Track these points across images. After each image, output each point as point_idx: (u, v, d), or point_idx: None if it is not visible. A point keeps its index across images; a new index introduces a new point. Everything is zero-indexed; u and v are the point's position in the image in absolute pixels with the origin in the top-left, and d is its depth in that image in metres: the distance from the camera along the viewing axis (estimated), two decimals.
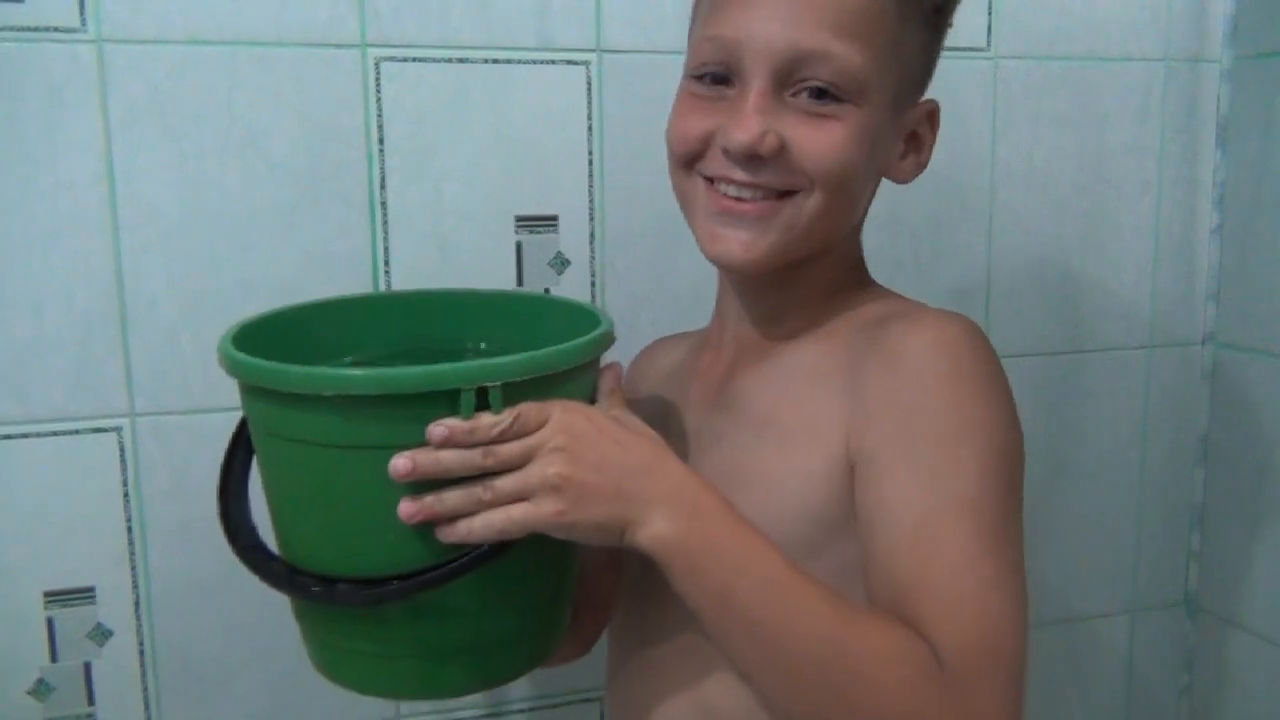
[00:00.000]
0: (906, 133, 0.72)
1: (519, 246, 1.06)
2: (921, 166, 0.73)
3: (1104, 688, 1.33)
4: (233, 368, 0.62)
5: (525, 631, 0.68)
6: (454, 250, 1.04)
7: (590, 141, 1.06)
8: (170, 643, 1.02)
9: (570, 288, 1.08)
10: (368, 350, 0.81)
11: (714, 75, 0.69)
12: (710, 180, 0.70)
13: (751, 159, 0.67)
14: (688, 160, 0.71)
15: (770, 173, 0.68)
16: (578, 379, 0.64)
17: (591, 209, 1.07)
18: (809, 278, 0.74)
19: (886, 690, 0.57)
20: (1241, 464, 1.25)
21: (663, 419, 0.78)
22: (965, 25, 1.11)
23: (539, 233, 1.06)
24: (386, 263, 1.02)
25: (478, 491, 0.58)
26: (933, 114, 0.73)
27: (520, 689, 1.13)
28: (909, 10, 0.68)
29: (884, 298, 0.76)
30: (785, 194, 0.68)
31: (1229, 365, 1.26)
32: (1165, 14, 1.21)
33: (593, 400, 0.67)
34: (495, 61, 1.02)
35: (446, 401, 0.57)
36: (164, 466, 0.99)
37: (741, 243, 0.69)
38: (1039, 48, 1.18)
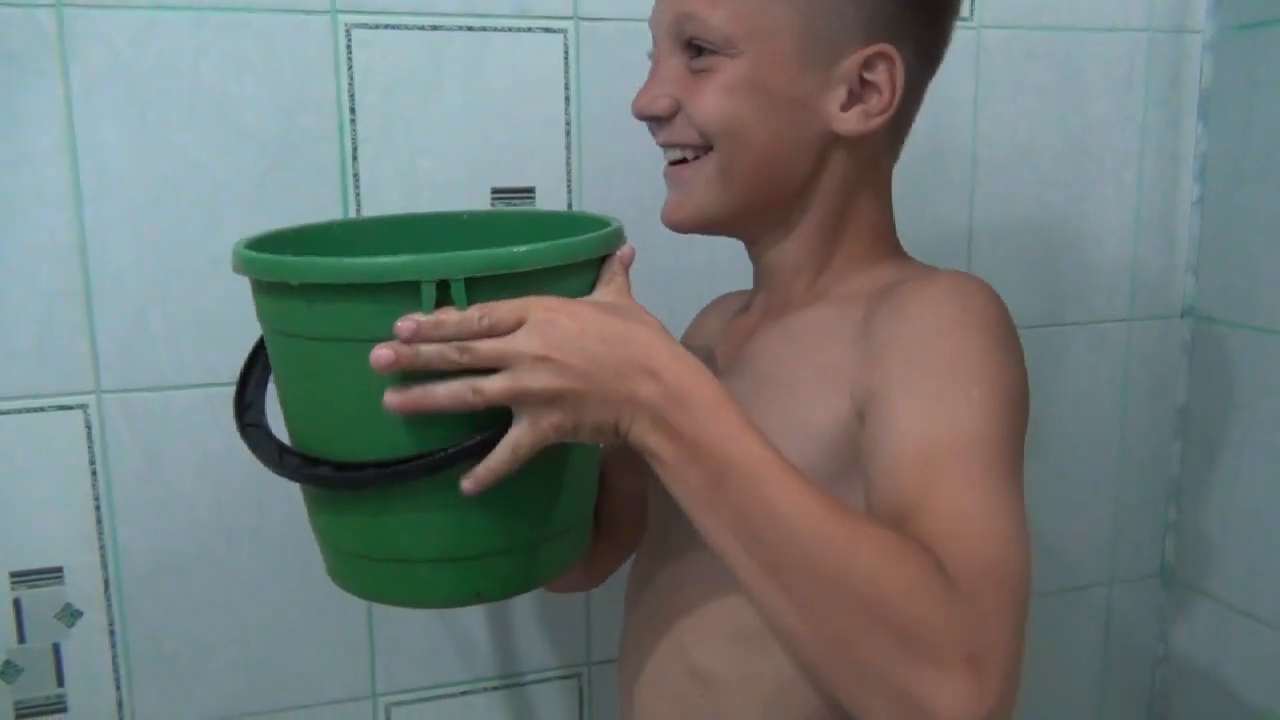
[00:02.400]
0: (848, 82, 0.71)
1: None
2: (873, 116, 0.71)
3: (1082, 657, 1.36)
4: (233, 259, 0.64)
5: (514, 545, 0.67)
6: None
7: (568, 111, 1.06)
8: (141, 623, 1.02)
9: None
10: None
11: (650, 53, 0.75)
12: None
13: (657, 121, 0.72)
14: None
15: (673, 132, 0.73)
16: (565, 281, 0.63)
17: (569, 180, 1.08)
18: (803, 241, 0.75)
19: (893, 589, 0.54)
20: (1219, 437, 1.27)
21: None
22: None
23: (516, 204, 1.06)
24: None
25: (464, 393, 0.58)
26: (876, 59, 0.70)
27: (501, 664, 1.14)
28: None
29: (907, 266, 0.76)
30: (702, 153, 0.72)
31: (1208, 338, 1.28)
32: None
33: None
34: (470, 29, 1.02)
35: (411, 294, 0.57)
36: (132, 444, 0.99)
37: (671, 204, 0.74)
38: (1022, 17, 1.18)
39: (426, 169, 1.03)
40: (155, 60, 0.95)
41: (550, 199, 1.07)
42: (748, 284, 0.85)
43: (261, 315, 0.67)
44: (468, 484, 0.60)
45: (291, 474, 0.65)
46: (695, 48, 0.70)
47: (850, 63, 0.70)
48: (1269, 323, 1.18)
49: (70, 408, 0.97)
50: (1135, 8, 1.21)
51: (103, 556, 1.00)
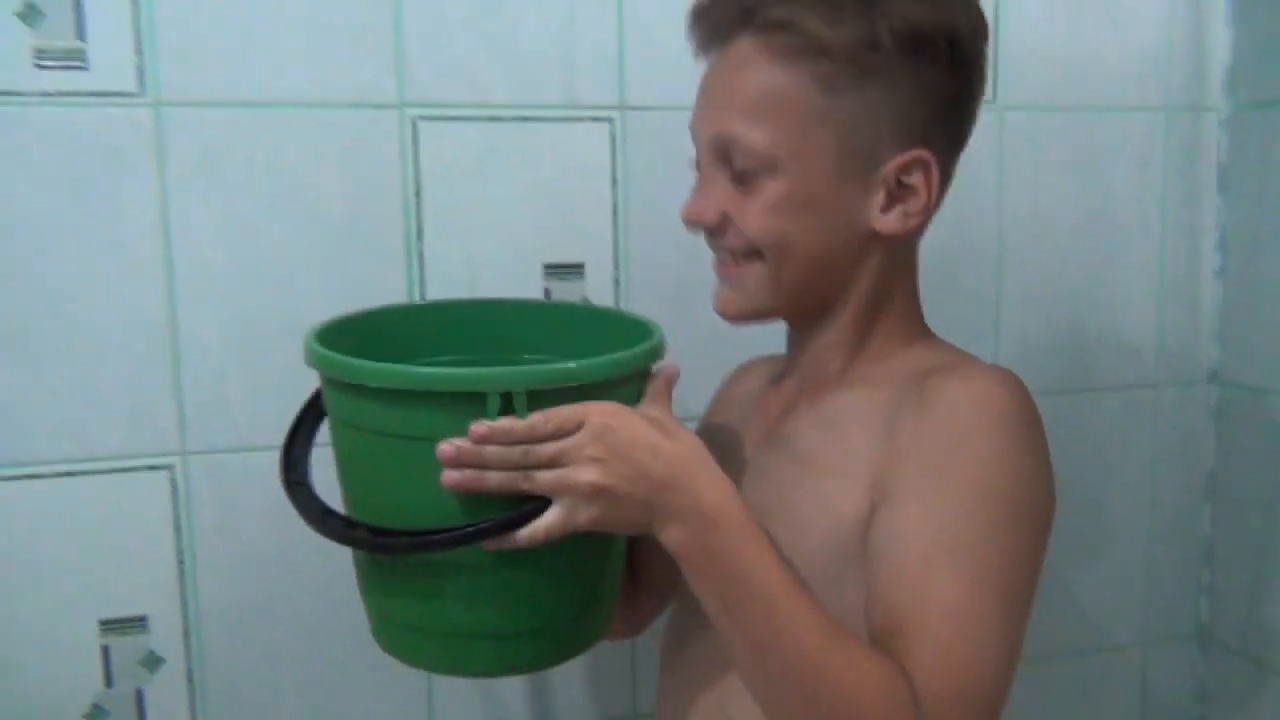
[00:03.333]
0: (886, 186, 0.72)
1: (547, 292, 1.11)
2: (913, 216, 0.72)
3: (1117, 719, 1.36)
4: (306, 355, 0.69)
5: (550, 624, 0.71)
6: (486, 295, 1.07)
7: (614, 193, 1.11)
8: (218, 670, 1.06)
9: None
10: (446, 354, 0.85)
11: (694, 162, 0.77)
12: None
13: (710, 230, 0.74)
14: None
15: (724, 239, 0.74)
16: (614, 391, 0.67)
17: (616, 257, 1.12)
18: (842, 328, 0.77)
19: (860, 715, 0.59)
20: (1249, 499, 1.28)
21: (726, 446, 0.82)
22: None
23: (566, 279, 1.11)
24: None
25: (517, 480, 0.62)
26: (921, 164, 0.72)
27: (553, 712, 1.16)
28: (837, 78, 0.69)
29: (936, 350, 0.77)
30: (752, 256, 0.73)
31: (1234, 403, 1.29)
32: (1165, 65, 1.25)
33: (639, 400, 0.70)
34: (525, 119, 1.07)
35: (477, 402, 0.62)
36: (213, 502, 1.04)
37: (723, 298, 0.76)
38: (1042, 98, 1.22)
39: (484, 247, 1.08)
40: (241, 151, 1.01)
41: (598, 273, 1.11)
42: (783, 345, 0.87)
43: (331, 406, 0.70)
44: (490, 544, 0.64)
45: (332, 534, 0.68)
46: (738, 168, 0.72)
47: (888, 169, 0.71)
48: None
49: (157, 468, 1.03)
50: (1153, 87, 1.25)
51: (184, 607, 1.05)
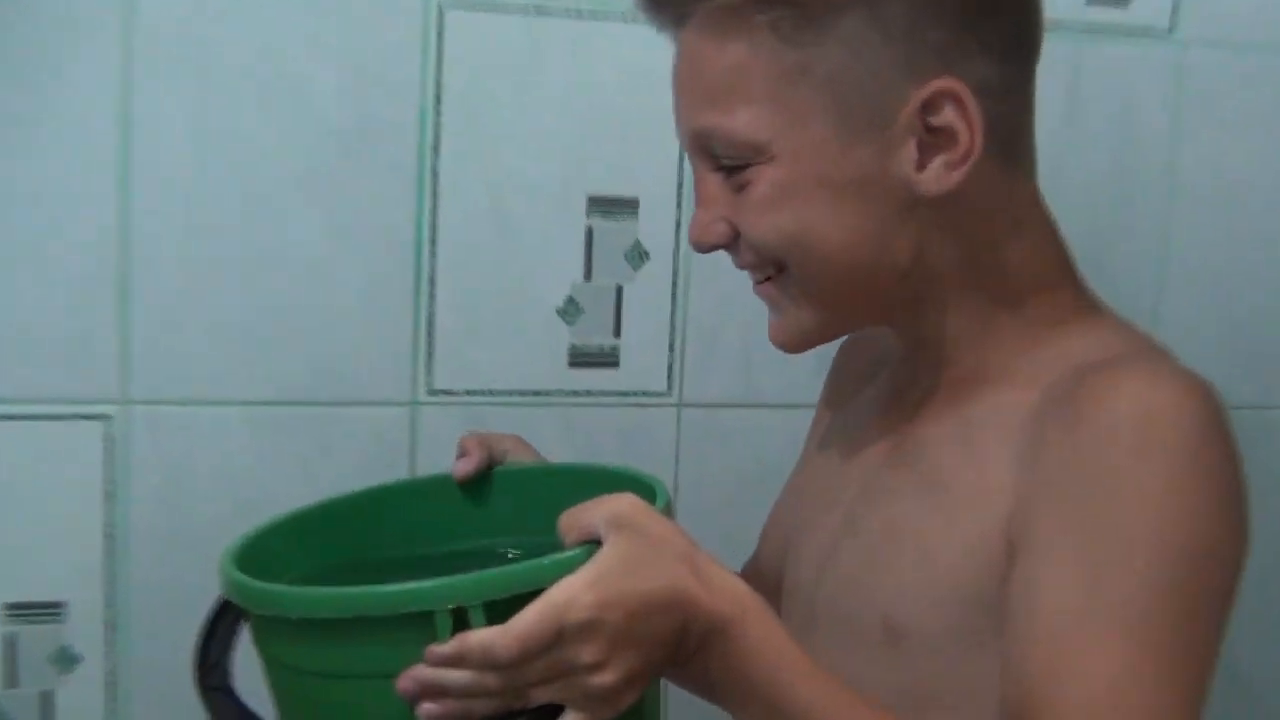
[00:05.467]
0: (912, 135, 0.64)
1: (589, 232, 1.02)
2: (957, 165, 0.64)
3: None
4: (220, 575, 0.64)
5: None
6: (513, 232, 0.99)
7: None
8: (144, 673, 0.95)
9: (647, 285, 1.04)
10: (390, 550, 0.79)
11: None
12: None
13: (717, 250, 0.69)
14: None
15: (739, 257, 0.69)
16: None
17: (680, 193, 1.03)
18: (947, 319, 0.70)
19: None
20: None
21: (850, 443, 0.79)
22: (1143, 3, 1.04)
23: (615, 217, 1.02)
24: (433, 242, 0.98)
25: (512, 703, 0.57)
26: (938, 101, 0.63)
27: None
28: (800, 23, 0.63)
29: (1099, 330, 0.69)
30: (777, 269, 0.68)
31: None
32: None
33: None
34: (579, 15, 0.98)
35: (425, 624, 0.56)
36: (156, 464, 0.94)
37: (776, 329, 0.71)
38: (1235, 32, 1.10)
39: (516, 170, 0.99)
40: (224, 32, 0.91)
41: (656, 212, 1.02)
42: None
43: (255, 638, 0.64)
44: None
45: None
46: (724, 168, 0.67)
47: (906, 115, 0.63)
48: None
49: (91, 418, 0.92)
50: None
51: (109, 593, 0.94)
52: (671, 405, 1.07)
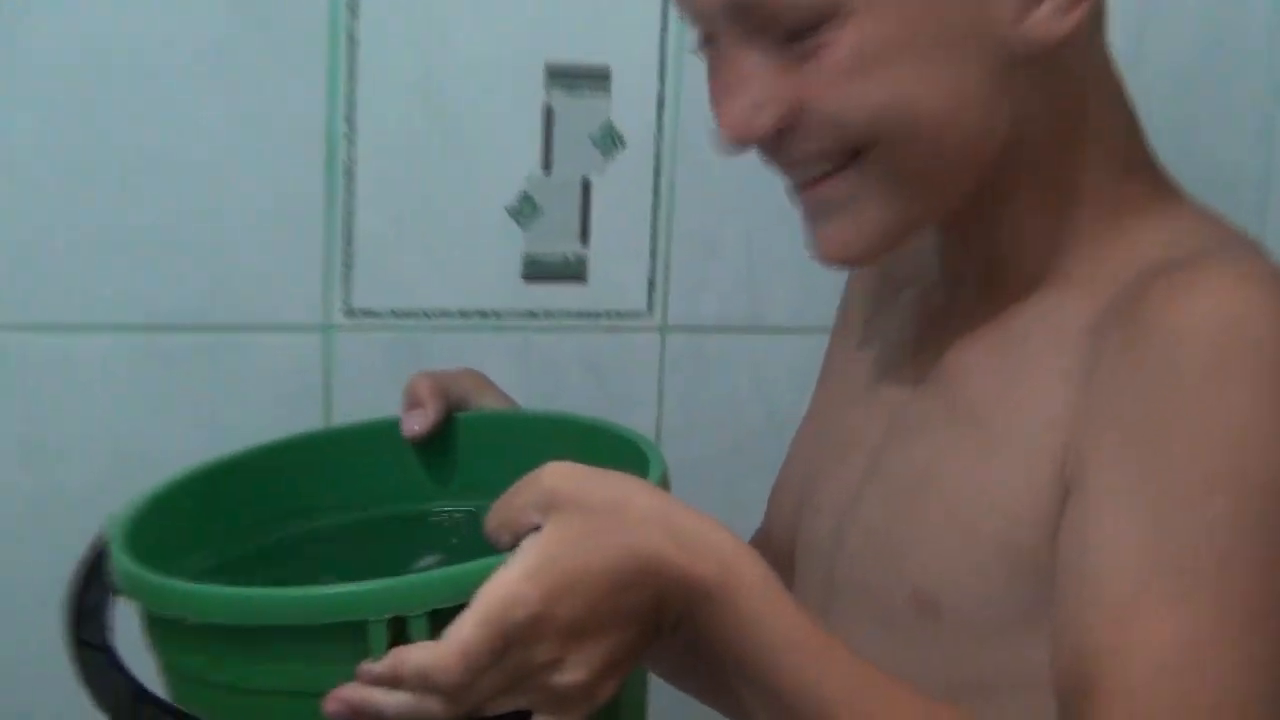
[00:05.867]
0: None
1: (548, 112, 0.94)
2: (1073, 6, 0.61)
3: None
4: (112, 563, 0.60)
5: None
6: (451, 114, 0.91)
7: None
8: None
9: (622, 178, 0.96)
10: (321, 516, 0.74)
11: (696, 47, 0.66)
12: None
13: (759, 146, 0.63)
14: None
15: (801, 145, 0.62)
16: None
17: (663, 61, 0.95)
18: (1022, 213, 0.66)
19: None
20: None
21: (875, 369, 0.75)
22: None
23: (580, 94, 0.94)
24: (350, 127, 0.89)
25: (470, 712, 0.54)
26: None
27: None
28: None
29: (1177, 223, 0.65)
30: (850, 156, 0.62)
31: None
32: None
33: None
34: None
35: (355, 634, 0.53)
36: (10, 408, 0.85)
37: (830, 239, 0.64)
38: None
39: (454, 35, 0.90)
40: None
41: (632, 87, 0.94)
42: None
43: (149, 642, 0.59)
44: None
45: None
46: (787, 33, 0.61)
47: None
48: None
49: None
50: None
51: None
52: (653, 329, 1.00)
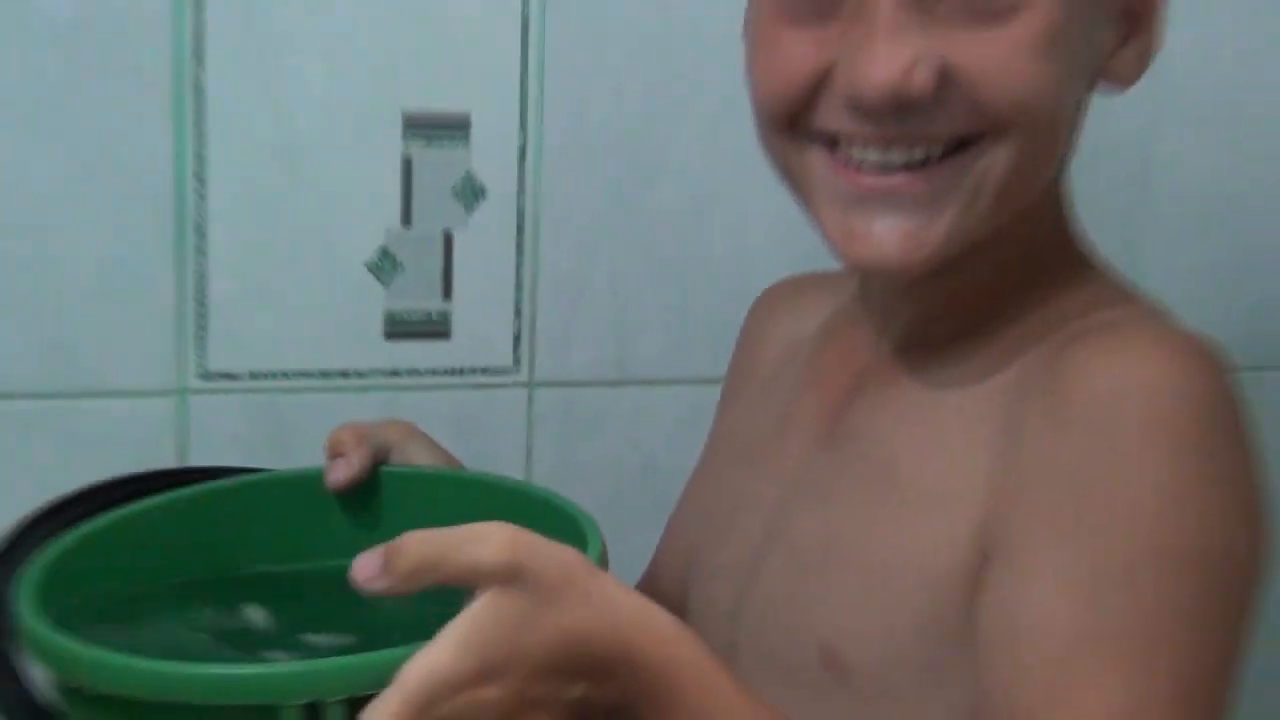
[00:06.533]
0: (1120, 7, 0.63)
1: (407, 164, 0.92)
2: (1147, 56, 0.64)
3: None
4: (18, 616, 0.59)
5: None
6: (306, 167, 0.89)
7: (526, 7, 0.93)
8: None
9: (485, 230, 0.95)
10: (241, 565, 0.73)
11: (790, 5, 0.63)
12: (834, 143, 0.62)
13: (897, 106, 0.59)
14: (790, 118, 0.63)
15: (929, 119, 0.59)
16: None
17: (523, 108, 0.94)
18: (993, 261, 0.66)
19: None
20: None
21: (765, 433, 0.75)
22: None
23: (440, 144, 0.93)
24: (200, 179, 0.87)
25: None
26: None
27: None
28: None
29: (1098, 289, 0.66)
30: (959, 148, 0.61)
31: None
32: None
33: None
34: None
35: (265, 717, 0.52)
36: None
37: (896, 236, 0.61)
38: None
39: (308, 82, 0.88)
40: None
41: (493, 138, 0.93)
42: (791, 266, 0.80)
43: (59, 696, 0.59)
44: None
45: None
46: None
47: None
48: None
49: None
50: None
51: None
52: (520, 385, 0.98)
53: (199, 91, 0.85)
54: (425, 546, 0.49)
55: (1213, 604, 0.55)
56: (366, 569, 0.50)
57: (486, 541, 0.50)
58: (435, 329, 0.95)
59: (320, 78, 0.89)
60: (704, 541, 0.74)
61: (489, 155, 0.93)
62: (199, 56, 0.85)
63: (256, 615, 0.69)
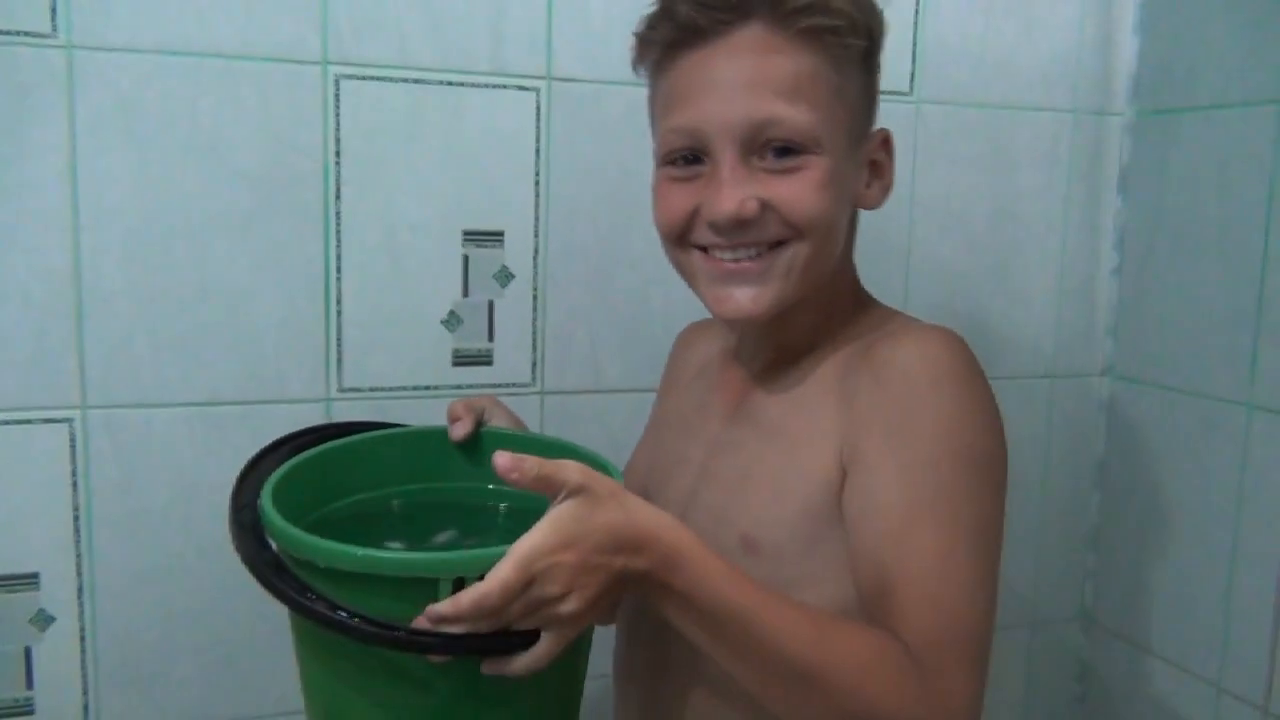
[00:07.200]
0: (867, 162, 0.76)
1: (466, 259, 1.10)
2: (887, 190, 0.77)
3: (1005, 695, 1.39)
4: (266, 521, 0.68)
5: None
6: (403, 261, 1.08)
7: (537, 163, 1.10)
8: (111, 630, 1.04)
9: (514, 300, 1.12)
10: (397, 488, 0.85)
11: (685, 157, 0.73)
12: (705, 249, 0.74)
13: (738, 225, 0.71)
14: (678, 237, 0.75)
15: (757, 231, 0.71)
16: None
17: (536, 226, 1.11)
18: (809, 307, 0.77)
19: (870, 693, 0.61)
20: (1135, 489, 1.33)
21: (693, 421, 0.83)
22: (891, 71, 1.17)
23: (485, 246, 1.10)
24: (339, 271, 1.07)
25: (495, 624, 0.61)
26: (886, 140, 0.77)
27: None
28: (842, 62, 0.72)
29: (879, 314, 0.80)
30: (776, 245, 0.72)
31: (1125, 396, 1.34)
32: (1074, 69, 1.30)
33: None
34: (450, 83, 1.07)
35: (428, 585, 0.61)
36: (113, 458, 1.03)
37: (746, 299, 0.73)
38: (958, 94, 1.25)
39: (403, 211, 1.07)
40: (156, 100, 0.99)
41: (518, 242, 1.11)
42: (699, 314, 0.88)
43: (285, 551, 0.69)
44: (489, 665, 0.62)
45: (286, 598, 0.64)
46: (778, 150, 0.70)
47: (870, 146, 0.75)
48: (1181, 383, 1.25)
49: (57, 421, 1.01)
50: (1062, 90, 1.30)
51: (79, 565, 1.03)
52: (535, 393, 1.12)
53: (338, 217, 1.05)
54: (541, 465, 0.61)
55: (986, 481, 0.66)
56: (506, 463, 0.59)
57: (568, 469, 0.61)
58: (484, 359, 1.10)
59: (411, 207, 1.06)
60: (652, 481, 0.85)
61: (516, 254, 1.10)
62: (338, 196, 1.04)
63: (399, 520, 0.82)
